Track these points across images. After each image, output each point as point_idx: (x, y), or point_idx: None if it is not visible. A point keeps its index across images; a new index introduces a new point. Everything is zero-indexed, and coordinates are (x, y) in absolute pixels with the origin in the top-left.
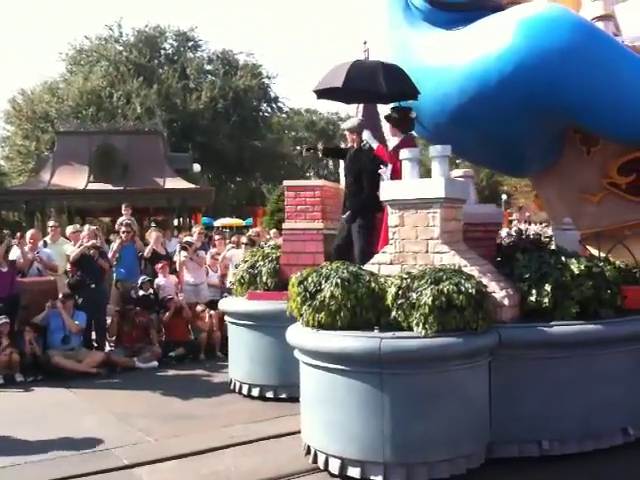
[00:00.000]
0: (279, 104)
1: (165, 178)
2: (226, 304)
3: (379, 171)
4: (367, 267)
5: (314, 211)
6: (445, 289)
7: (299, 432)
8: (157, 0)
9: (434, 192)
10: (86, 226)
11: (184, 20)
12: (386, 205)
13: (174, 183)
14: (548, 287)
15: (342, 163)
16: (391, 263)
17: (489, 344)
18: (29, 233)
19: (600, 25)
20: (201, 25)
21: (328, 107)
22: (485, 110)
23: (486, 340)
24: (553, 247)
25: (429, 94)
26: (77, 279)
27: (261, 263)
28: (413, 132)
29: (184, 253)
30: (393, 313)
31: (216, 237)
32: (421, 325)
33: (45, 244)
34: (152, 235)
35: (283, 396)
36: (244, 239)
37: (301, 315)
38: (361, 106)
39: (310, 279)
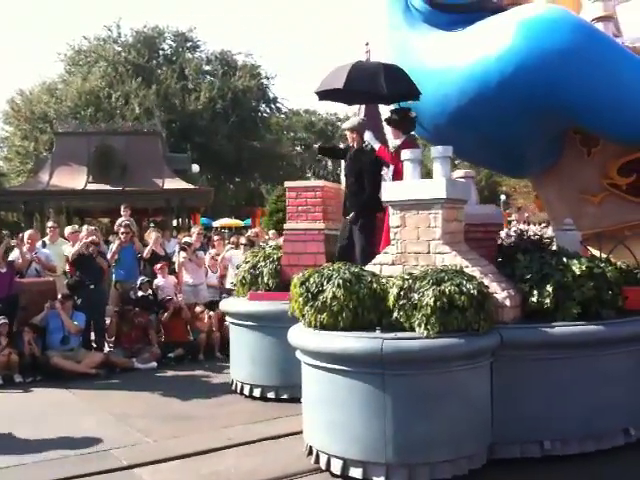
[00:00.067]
0: (278, 105)
1: (164, 179)
2: (227, 304)
3: (382, 172)
4: (369, 268)
5: (315, 212)
6: (447, 290)
7: (300, 432)
8: (156, 1)
9: (435, 193)
10: (84, 226)
11: (183, 20)
12: (387, 206)
13: (173, 184)
14: (549, 288)
15: (343, 163)
16: (393, 264)
17: (491, 345)
18: (27, 234)
19: (600, 26)
20: (200, 25)
21: (327, 108)
22: (485, 111)
23: (488, 341)
24: (554, 248)
25: (429, 95)
26: (76, 280)
27: (262, 264)
28: (413, 133)
29: (183, 254)
30: (395, 314)
31: (215, 238)
32: (423, 326)
33: (44, 245)
34: (151, 236)
35: (285, 397)
36: (243, 240)
37: (303, 316)
38: (362, 107)
39: (312, 280)
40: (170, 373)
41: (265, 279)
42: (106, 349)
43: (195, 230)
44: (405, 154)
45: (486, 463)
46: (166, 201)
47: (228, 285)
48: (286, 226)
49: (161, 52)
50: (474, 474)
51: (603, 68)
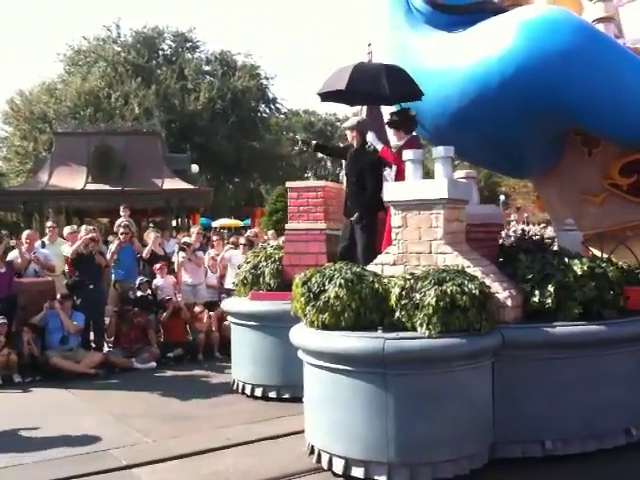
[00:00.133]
0: (277, 105)
1: (163, 179)
2: (229, 304)
3: (384, 173)
4: (370, 268)
5: (317, 212)
6: (449, 290)
7: (301, 432)
8: (155, 1)
9: (437, 193)
10: (83, 226)
11: (182, 21)
12: (389, 206)
13: (172, 184)
14: (551, 288)
15: (344, 163)
16: (394, 264)
17: (492, 345)
18: (25, 233)
19: (601, 27)
20: (200, 26)
21: (326, 108)
22: (486, 112)
23: (489, 341)
24: (556, 248)
25: (430, 96)
26: (75, 280)
27: (264, 264)
28: (416, 133)
29: (182, 254)
30: (397, 314)
31: (214, 238)
32: (425, 325)
33: (43, 245)
34: (150, 236)
35: (286, 396)
36: (242, 240)
37: (305, 315)
38: (364, 108)
39: (314, 280)
40: (169, 373)
41: (267, 279)
42: (105, 349)
43: (194, 230)
44: (406, 154)
45: (488, 463)
46: (165, 201)
47: (227, 285)
48: (287, 226)
49: (161, 52)
50: (476, 474)
51: (604, 69)
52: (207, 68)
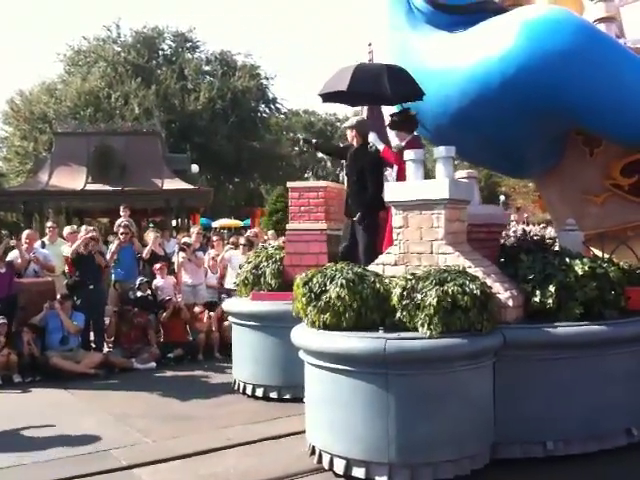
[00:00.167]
0: (277, 105)
1: (163, 179)
2: (230, 305)
3: (385, 173)
4: (372, 268)
5: (318, 212)
6: (450, 290)
7: (301, 432)
8: (155, 1)
9: (438, 193)
10: (83, 227)
11: (182, 21)
12: (390, 206)
13: (172, 184)
14: (552, 288)
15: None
16: (395, 264)
17: (494, 345)
18: (25, 234)
19: (602, 27)
20: (200, 26)
21: (326, 108)
22: (487, 112)
23: (491, 341)
24: (557, 248)
25: (431, 96)
26: (75, 280)
27: (265, 264)
28: (417, 133)
29: (182, 254)
30: (398, 314)
31: (214, 238)
32: (426, 326)
33: (43, 245)
34: (150, 236)
35: (287, 396)
36: (242, 240)
37: (306, 316)
38: (365, 108)
39: (315, 280)
40: (169, 373)
41: (267, 279)
42: (105, 349)
43: (194, 230)
44: (408, 154)
45: (488, 463)
46: (165, 201)
47: (227, 285)
48: (289, 226)
49: (161, 52)
50: (476, 474)
51: (605, 69)
52: (207, 68)
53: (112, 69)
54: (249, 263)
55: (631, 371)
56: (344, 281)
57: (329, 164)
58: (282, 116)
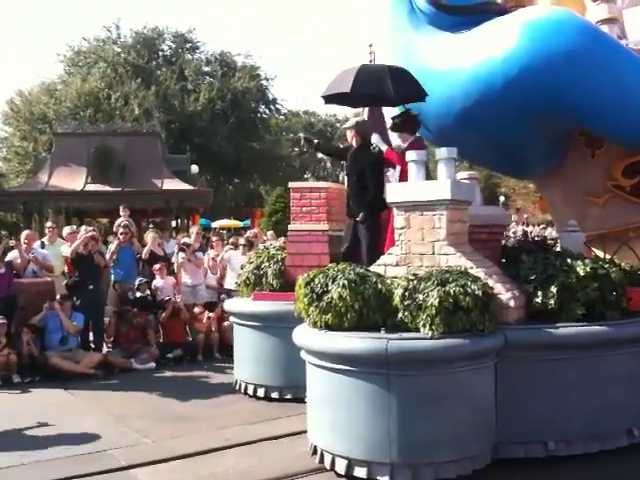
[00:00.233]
0: (277, 106)
1: (163, 179)
2: (232, 305)
3: (387, 173)
4: (373, 268)
5: (319, 212)
6: (451, 291)
7: (301, 432)
8: (155, 1)
9: (440, 194)
10: (82, 227)
11: (182, 21)
12: (392, 206)
13: (172, 184)
14: (554, 289)
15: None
16: (397, 264)
17: (495, 345)
18: (24, 234)
19: (605, 28)
20: (200, 26)
21: (326, 109)
22: (490, 113)
23: (492, 341)
24: (558, 249)
25: (434, 97)
26: (75, 280)
27: (267, 264)
28: (420, 135)
29: (182, 254)
30: (400, 314)
31: (214, 238)
32: (428, 326)
33: (42, 245)
34: (149, 236)
35: (288, 397)
36: (242, 240)
37: (308, 316)
38: (366, 109)
39: (317, 280)
40: (169, 374)
41: (269, 279)
42: (104, 349)
43: (194, 230)
44: (409, 155)
45: (490, 463)
46: (165, 202)
47: (227, 286)
48: (290, 227)
49: (160, 53)
50: (478, 474)
51: (608, 70)
52: (207, 69)
53: (112, 70)
54: (251, 263)
55: (632, 372)
56: (346, 282)
57: (329, 165)
58: (282, 117)
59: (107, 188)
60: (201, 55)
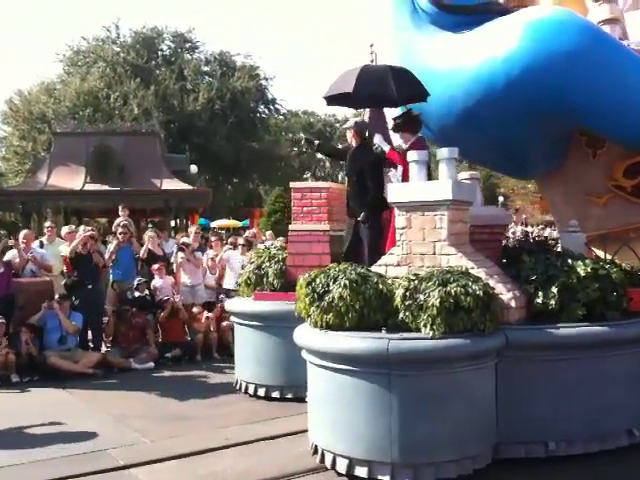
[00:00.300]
0: (276, 106)
1: (162, 179)
2: (233, 304)
3: (389, 174)
4: (374, 268)
5: (320, 212)
6: (452, 291)
7: (301, 432)
8: (155, 1)
9: (441, 194)
10: (81, 227)
11: (182, 21)
12: (393, 207)
13: (171, 184)
14: (554, 289)
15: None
16: (398, 265)
17: (496, 345)
18: (22, 233)
19: (606, 28)
20: (199, 26)
21: (325, 109)
22: (491, 113)
23: (493, 341)
24: (559, 249)
25: (435, 97)
26: (74, 280)
27: (267, 264)
28: (422, 135)
29: (181, 254)
30: (401, 314)
31: (212, 238)
32: (429, 326)
33: (41, 245)
34: (146, 236)
35: (289, 396)
36: (241, 240)
37: (309, 316)
38: (367, 110)
39: (318, 280)
40: (167, 373)
41: (270, 279)
42: (103, 349)
43: (192, 230)
44: (411, 155)
45: (491, 463)
46: (164, 202)
47: (226, 286)
48: (291, 227)
49: (160, 53)
50: (479, 474)
51: (609, 70)
52: (206, 69)
53: (111, 69)
54: (252, 263)
55: (632, 372)
56: (347, 282)
57: (328, 164)
58: (281, 117)
59: (106, 188)
60: (200, 55)
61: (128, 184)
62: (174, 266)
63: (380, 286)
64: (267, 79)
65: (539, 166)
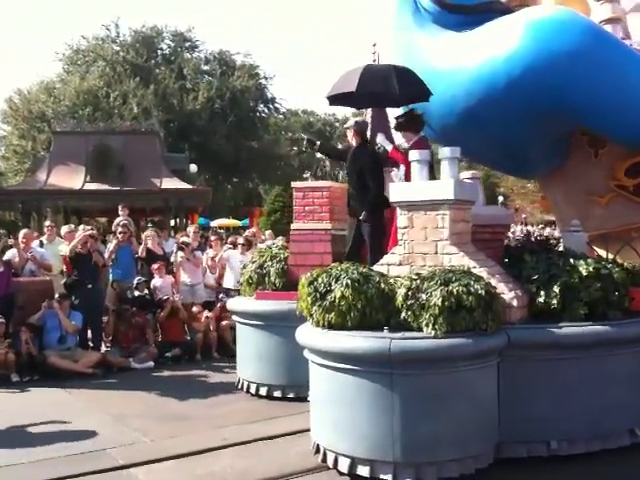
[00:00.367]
0: (276, 105)
1: (162, 178)
2: (235, 304)
3: (391, 173)
4: (376, 268)
5: (322, 212)
6: (454, 290)
7: (301, 431)
8: (154, 0)
9: (443, 194)
10: (81, 226)
11: (181, 20)
12: (395, 206)
13: (171, 183)
14: (556, 288)
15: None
16: (400, 264)
17: (498, 345)
18: (22, 233)
19: (608, 28)
20: (199, 25)
21: (325, 108)
22: (493, 112)
23: (495, 341)
24: (561, 249)
25: (437, 96)
26: (73, 279)
27: (269, 263)
28: (424, 134)
29: (181, 253)
30: (403, 314)
31: (212, 238)
32: (431, 326)
33: (41, 244)
34: (144, 235)
35: (291, 395)
36: (241, 240)
37: (311, 315)
38: (369, 110)
39: (320, 280)
40: (167, 373)
41: (272, 278)
42: (103, 349)
43: (191, 229)
44: (413, 155)
45: (493, 462)
46: (164, 201)
47: (225, 285)
48: (293, 226)
49: (159, 52)
50: (481, 473)
51: (610, 70)
52: (206, 68)
53: (111, 68)
54: (253, 262)
55: (634, 372)
56: (349, 281)
57: (327, 164)
58: (281, 116)
59: (106, 187)
60: (200, 54)
61: (128, 183)
62: (174, 265)
63: (382, 285)
64: (267, 78)
65: (540, 165)
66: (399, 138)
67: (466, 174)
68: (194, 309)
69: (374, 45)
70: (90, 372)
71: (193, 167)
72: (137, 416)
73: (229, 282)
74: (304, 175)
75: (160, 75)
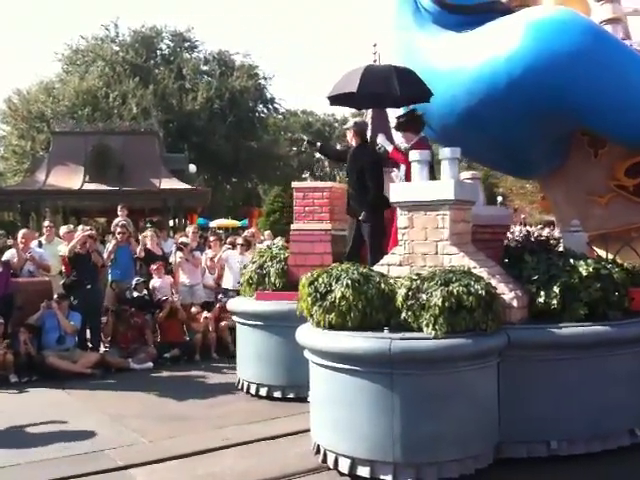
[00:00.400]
0: (275, 105)
1: (161, 179)
2: (235, 304)
3: (392, 173)
4: (377, 268)
5: (322, 212)
6: (455, 290)
7: (303, 431)
8: (154, 0)
9: (444, 194)
10: (80, 226)
11: (181, 20)
12: (396, 206)
13: (170, 184)
14: (556, 289)
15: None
16: (400, 264)
17: (498, 345)
18: (21, 233)
19: (609, 28)
20: (198, 25)
21: (324, 109)
22: (493, 112)
23: (495, 341)
24: (561, 249)
25: (438, 96)
26: (72, 280)
27: (269, 264)
28: (424, 134)
29: (180, 254)
30: (403, 314)
31: (211, 238)
32: (431, 326)
33: (40, 244)
34: (142, 235)
35: (291, 396)
36: (240, 240)
37: (311, 315)
38: (369, 111)
39: (320, 280)
40: (166, 373)
41: (272, 279)
42: (102, 349)
43: (190, 229)
44: (413, 155)
45: (493, 462)
46: (163, 201)
47: (224, 285)
48: (293, 226)
49: (159, 52)
50: (481, 473)
51: (611, 70)
52: (205, 68)
53: (110, 68)
54: (254, 263)
55: (634, 372)
56: (349, 281)
57: (327, 164)
58: (280, 116)
59: (105, 187)
60: (199, 54)
61: (127, 183)
62: (173, 266)
63: (382, 286)
64: (266, 78)
65: (541, 166)
66: (399, 138)
67: (466, 174)
68: (193, 309)
69: (374, 45)
70: (89, 373)
71: (192, 167)
72: (136, 416)
73: (228, 282)
74: (303, 175)
75: (159, 75)
